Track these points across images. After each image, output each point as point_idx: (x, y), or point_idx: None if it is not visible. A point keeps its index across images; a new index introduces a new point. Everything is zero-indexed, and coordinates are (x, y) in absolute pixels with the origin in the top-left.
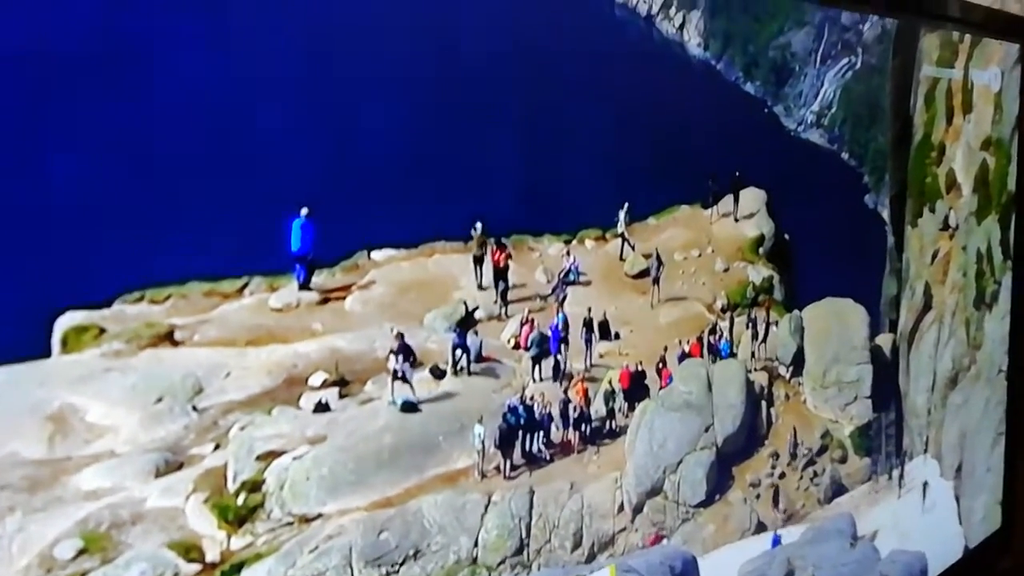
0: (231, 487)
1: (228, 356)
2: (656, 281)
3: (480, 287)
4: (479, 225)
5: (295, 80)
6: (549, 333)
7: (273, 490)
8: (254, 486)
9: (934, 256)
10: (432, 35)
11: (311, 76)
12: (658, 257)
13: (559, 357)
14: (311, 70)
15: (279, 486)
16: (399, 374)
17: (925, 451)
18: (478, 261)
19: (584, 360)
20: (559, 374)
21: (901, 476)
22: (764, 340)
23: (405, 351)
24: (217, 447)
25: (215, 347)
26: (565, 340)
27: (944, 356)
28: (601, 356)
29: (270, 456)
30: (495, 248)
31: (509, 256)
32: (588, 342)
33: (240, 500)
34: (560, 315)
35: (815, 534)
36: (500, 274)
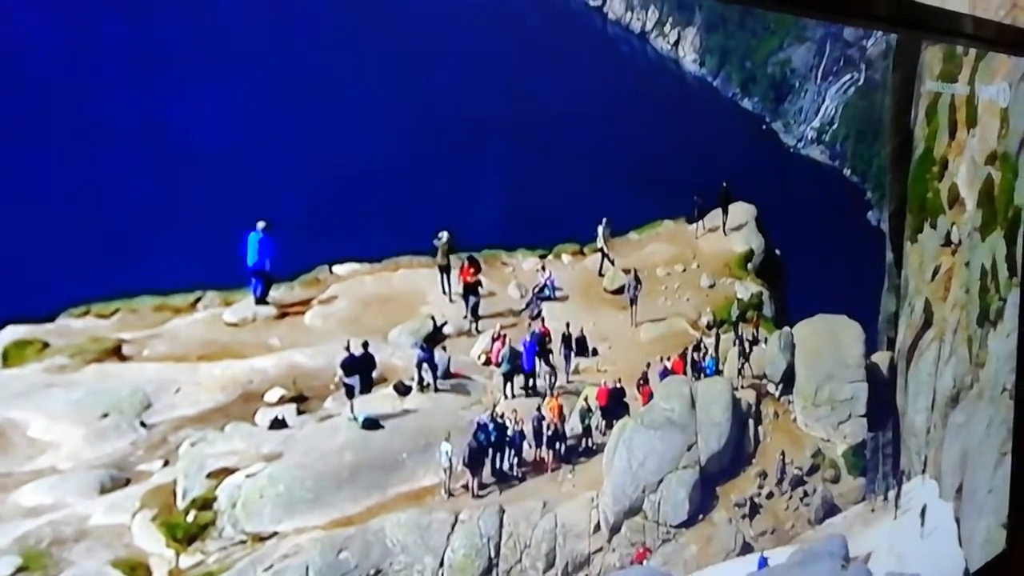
0: (181, 504)
1: (179, 371)
2: (633, 301)
3: (447, 296)
4: (444, 234)
5: (255, 91)
6: (522, 349)
7: (225, 508)
8: (205, 504)
9: (935, 272)
10: (405, 46)
11: (271, 87)
12: (636, 276)
13: (536, 372)
14: (271, 81)
15: (231, 504)
16: (348, 389)
17: (923, 471)
18: (444, 271)
19: (562, 376)
20: (533, 390)
21: (898, 496)
22: (748, 358)
23: (352, 364)
24: (166, 464)
25: (165, 362)
26: (542, 355)
27: (945, 374)
28: (577, 373)
29: (222, 473)
30: (466, 264)
31: (479, 271)
32: (567, 358)
33: (190, 518)
34: (534, 330)
35: (804, 555)
36: (470, 289)
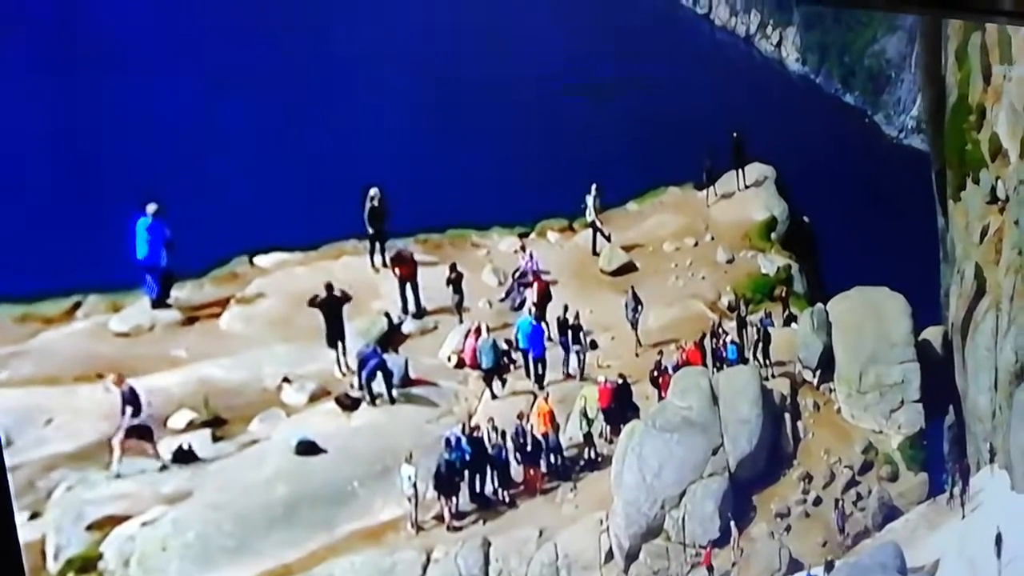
0: (53, 567)
1: (50, 397)
2: (635, 325)
3: (372, 268)
4: (374, 191)
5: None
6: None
7: (115, 568)
8: (86, 564)
9: (983, 234)
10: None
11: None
12: (635, 295)
13: (544, 358)
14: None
15: (123, 562)
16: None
17: (991, 460)
18: (374, 240)
19: (561, 370)
20: (541, 380)
21: (964, 492)
22: (763, 342)
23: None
24: (34, 516)
25: (31, 386)
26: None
27: (1005, 348)
28: (581, 368)
29: (109, 523)
30: (399, 251)
31: (412, 260)
32: (568, 349)
33: None
34: (531, 310)
35: (850, 570)
36: (407, 280)
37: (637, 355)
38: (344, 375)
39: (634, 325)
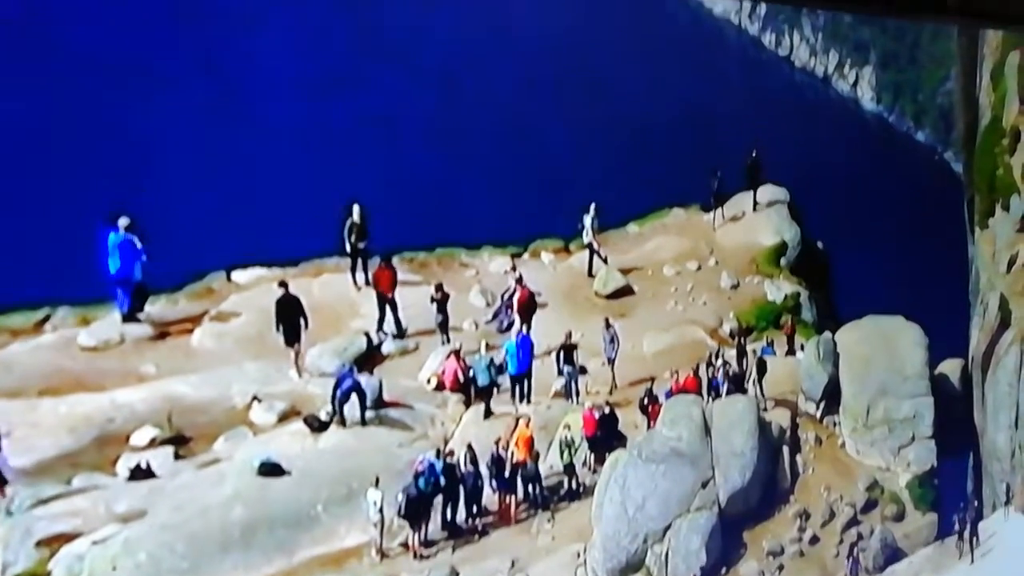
0: None
1: (12, 410)
2: (611, 361)
3: (355, 286)
4: (355, 208)
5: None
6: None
7: None
8: None
9: (1011, 263)
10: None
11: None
12: (609, 325)
13: (530, 373)
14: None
15: None
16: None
17: (1007, 502)
18: (355, 263)
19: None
20: (528, 397)
21: (976, 534)
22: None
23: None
24: None
25: None
26: (568, 359)
27: None
28: (554, 395)
29: (58, 540)
30: (380, 266)
31: (394, 275)
32: (569, 374)
33: None
34: (524, 330)
35: None
36: (385, 299)
37: (611, 392)
38: (301, 376)
39: (610, 362)
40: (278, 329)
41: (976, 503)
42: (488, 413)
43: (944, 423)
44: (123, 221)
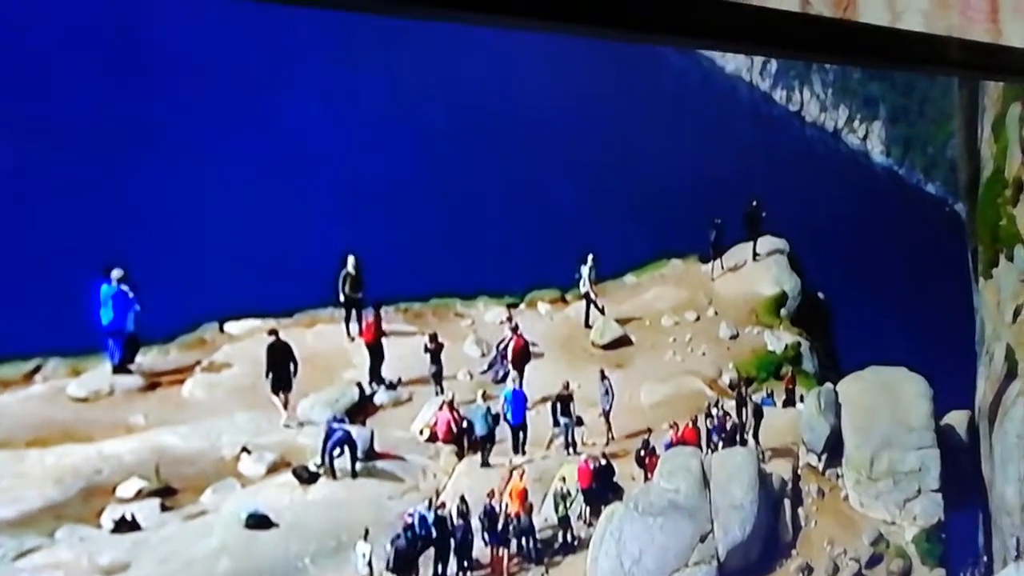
0: None
1: None
2: (607, 414)
3: (349, 337)
4: (350, 259)
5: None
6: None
7: None
8: None
9: (1016, 314)
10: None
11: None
12: (607, 384)
13: (524, 425)
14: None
15: None
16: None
17: (1017, 556)
18: (349, 308)
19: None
20: (523, 449)
21: None
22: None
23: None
24: None
25: None
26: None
27: None
28: (574, 446)
29: None
30: (370, 318)
31: (380, 324)
32: (565, 426)
33: None
34: (517, 382)
35: None
36: (372, 348)
37: (608, 444)
38: (288, 426)
39: (606, 414)
40: (267, 375)
41: (985, 558)
42: (485, 463)
43: (951, 476)
44: (116, 273)
